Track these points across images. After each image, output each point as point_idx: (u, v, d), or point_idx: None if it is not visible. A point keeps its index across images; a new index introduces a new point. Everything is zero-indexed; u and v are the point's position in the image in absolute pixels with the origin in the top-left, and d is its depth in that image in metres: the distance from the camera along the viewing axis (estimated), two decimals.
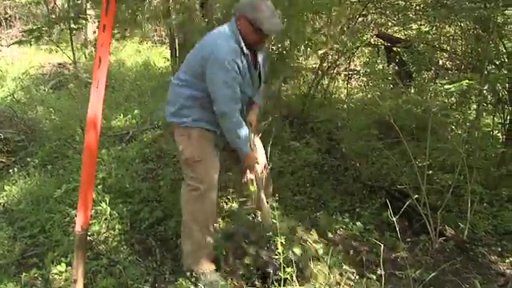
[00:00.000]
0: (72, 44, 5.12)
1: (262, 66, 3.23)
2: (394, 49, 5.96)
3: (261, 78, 3.24)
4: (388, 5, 5.68)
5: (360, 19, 6.15)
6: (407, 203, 3.33)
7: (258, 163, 3.21)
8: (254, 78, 3.13)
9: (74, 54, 5.02)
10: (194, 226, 3.06)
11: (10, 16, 13.43)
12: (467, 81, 3.09)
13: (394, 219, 2.74)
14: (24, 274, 3.15)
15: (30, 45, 4.46)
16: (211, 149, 3.13)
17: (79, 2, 5.59)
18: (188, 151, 3.07)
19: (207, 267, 3.07)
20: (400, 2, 5.36)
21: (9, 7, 13.34)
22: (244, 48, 2.93)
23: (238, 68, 2.92)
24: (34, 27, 4.73)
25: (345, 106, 6.16)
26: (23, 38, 4.26)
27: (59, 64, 9.37)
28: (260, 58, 3.17)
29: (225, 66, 2.85)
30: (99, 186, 4.08)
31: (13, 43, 4.85)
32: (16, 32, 12.56)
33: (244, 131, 3.03)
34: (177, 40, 5.53)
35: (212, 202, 3.10)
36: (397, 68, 5.95)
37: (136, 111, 6.53)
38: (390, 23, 6.36)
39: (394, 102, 4.59)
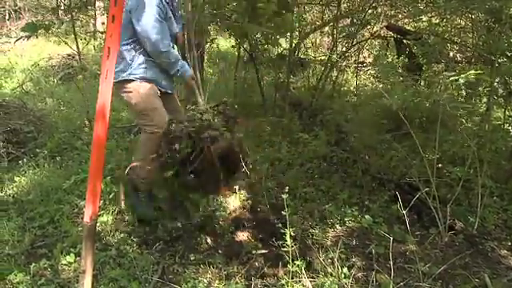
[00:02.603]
0: (75, 35, 5.10)
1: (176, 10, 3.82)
2: (404, 41, 5.92)
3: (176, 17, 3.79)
4: None
5: (370, 11, 6.11)
6: (417, 196, 3.31)
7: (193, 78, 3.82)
8: (177, 18, 3.75)
9: (77, 45, 5.00)
10: (144, 162, 3.55)
11: (19, 8, 13.46)
12: (474, 72, 3.05)
13: (404, 212, 2.72)
14: (33, 264, 3.15)
15: (36, 37, 4.46)
16: (157, 97, 3.62)
17: None
18: (141, 103, 3.55)
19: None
20: None
21: None
22: None
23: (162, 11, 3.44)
24: (35, 20, 4.71)
25: (354, 98, 6.13)
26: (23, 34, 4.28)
27: (68, 55, 9.34)
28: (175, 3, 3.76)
29: (153, 6, 3.36)
30: (108, 178, 4.08)
31: (16, 40, 4.84)
32: (25, 23, 12.57)
33: (181, 60, 3.64)
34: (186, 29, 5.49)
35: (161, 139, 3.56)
36: (406, 60, 5.91)
37: None
38: (399, 15, 6.33)
39: (404, 95, 4.56)
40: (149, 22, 3.35)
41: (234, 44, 6.90)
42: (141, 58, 3.51)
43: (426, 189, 3.54)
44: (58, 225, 3.67)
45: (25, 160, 4.78)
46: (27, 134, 5.39)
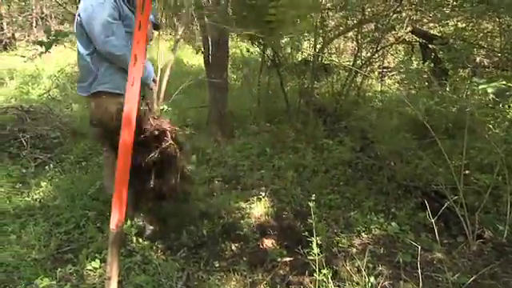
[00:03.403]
0: None
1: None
2: (430, 46, 5.86)
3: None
4: (424, 1, 5.60)
5: (394, 16, 6.05)
6: (445, 205, 3.25)
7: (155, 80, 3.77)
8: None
9: None
10: None
11: (45, 15, 13.66)
12: (504, 81, 2.98)
13: (433, 221, 2.68)
14: (59, 269, 3.17)
15: (64, 46, 4.52)
16: None
17: None
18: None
19: None
20: None
21: (45, 6, 13.57)
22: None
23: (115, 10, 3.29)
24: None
25: (379, 104, 6.07)
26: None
27: None
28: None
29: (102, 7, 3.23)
30: None
31: (39, 54, 4.91)
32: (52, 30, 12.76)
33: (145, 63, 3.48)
34: (210, 38, 5.52)
35: None
36: (432, 65, 5.85)
37: (169, 108, 6.56)
38: (425, 19, 6.27)
39: (429, 100, 4.51)
40: (96, 24, 3.22)
41: (252, 49, 6.90)
42: (104, 66, 3.42)
43: (455, 197, 3.48)
44: (84, 230, 3.70)
45: (51, 165, 4.84)
46: (53, 139, 5.47)
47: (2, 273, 3.17)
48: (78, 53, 3.46)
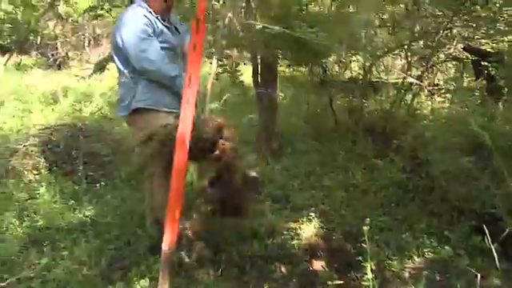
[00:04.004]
0: None
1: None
2: (482, 63, 5.72)
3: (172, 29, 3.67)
4: (476, 17, 5.47)
5: (445, 32, 5.94)
6: (507, 231, 3.14)
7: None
8: (172, 31, 3.65)
9: None
10: None
11: (97, 35, 14.10)
12: None
13: (492, 246, 2.59)
14: (109, 286, 3.23)
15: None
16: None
17: None
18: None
19: None
20: (489, 13, 5.12)
21: (97, 27, 14.00)
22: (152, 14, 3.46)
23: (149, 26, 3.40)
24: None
25: (429, 122, 5.95)
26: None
27: None
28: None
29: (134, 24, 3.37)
30: None
31: (92, 73, 5.08)
32: (103, 50, 13.16)
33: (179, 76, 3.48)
34: (258, 55, 5.55)
35: None
36: (485, 83, 5.70)
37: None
38: (476, 36, 6.12)
39: (483, 119, 4.39)
40: (129, 41, 3.33)
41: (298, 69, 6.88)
42: (143, 83, 3.48)
43: None
44: (134, 248, 3.75)
45: (102, 183, 4.93)
46: (105, 157, 5.58)
47: None
48: (118, 70, 3.58)
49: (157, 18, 3.47)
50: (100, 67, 4.32)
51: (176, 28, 3.72)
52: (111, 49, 3.65)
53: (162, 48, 3.43)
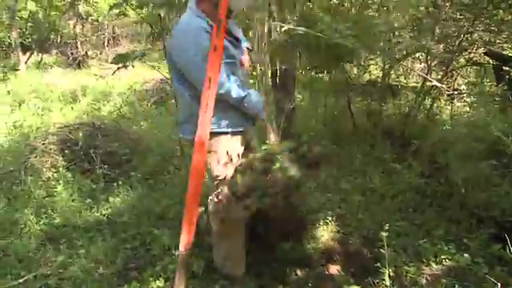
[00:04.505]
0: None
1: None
2: (504, 68, 5.65)
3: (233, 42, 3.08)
4: (498, 21, 5.41)
5: (465, 36, 5.88)
6: None
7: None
8: (234, 43, 3.05)
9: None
10: None
11: (117, 35, 14.22)
12: None
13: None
14: (125, 286, 3.24)
15: (133, 66, 4.64)
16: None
17: None
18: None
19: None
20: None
21: (117, 26, 14.13)
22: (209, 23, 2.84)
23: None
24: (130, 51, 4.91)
25: (449, 127, 5.89)
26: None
27: (161, 80, 9.69)
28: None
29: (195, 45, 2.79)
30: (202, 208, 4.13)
31: (113, 73, 5.08)
32: (122, 49, 13.27)
33: (249, 95, 2.93)
34: (278, 63, 5.52)
35: None
36: (506, 88, 5.63)
37: None
38: (498, 40, 6.05)
39: (503, 125, 4.33)
40: (191, 63, 2.82)
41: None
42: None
43: None
44: (150, 248, 3.77)
45: (119, 182, 4.96)
46: (122, 156, 5.62)
47: (70, 286, 3.28)
48: (177, 90, 3.09)
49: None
50: (121, 60, 4.29)
51: (236, 38, 3.17)
52: (168, 69, 3.19)
53: (226, 63, 2.85)
